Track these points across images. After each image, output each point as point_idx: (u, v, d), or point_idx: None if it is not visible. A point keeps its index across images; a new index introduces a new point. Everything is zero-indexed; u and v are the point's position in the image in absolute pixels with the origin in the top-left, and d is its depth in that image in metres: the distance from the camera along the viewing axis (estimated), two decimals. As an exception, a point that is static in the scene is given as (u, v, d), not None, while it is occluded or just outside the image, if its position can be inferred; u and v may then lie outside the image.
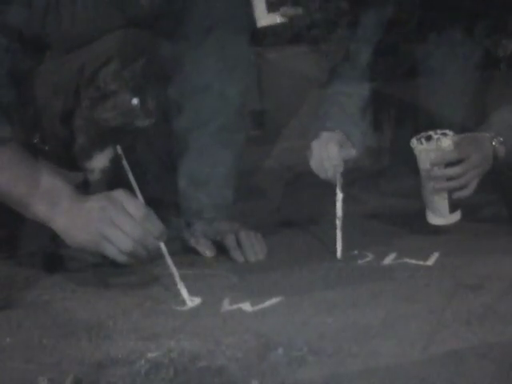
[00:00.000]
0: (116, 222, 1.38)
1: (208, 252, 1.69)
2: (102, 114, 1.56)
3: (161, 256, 1.45)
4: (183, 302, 1.42)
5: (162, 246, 1.43)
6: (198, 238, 1.72)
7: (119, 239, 1.38)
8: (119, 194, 1.40)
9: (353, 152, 1.78)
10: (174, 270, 1.45)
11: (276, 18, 1.57)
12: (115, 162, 1.49)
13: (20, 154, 1.49)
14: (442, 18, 1.90)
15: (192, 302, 1.43)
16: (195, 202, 1.75)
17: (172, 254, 1.67)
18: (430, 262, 1.60)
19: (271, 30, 3.14)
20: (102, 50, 1.63)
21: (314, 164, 1.76)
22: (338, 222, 1.68)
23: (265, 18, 1.57)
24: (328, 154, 1.73)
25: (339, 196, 1.70)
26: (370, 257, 1.65)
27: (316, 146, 1.77)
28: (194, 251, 1.71)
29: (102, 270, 1.59)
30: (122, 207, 1.38)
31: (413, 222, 1.83)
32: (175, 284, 1.45)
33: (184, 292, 1.44)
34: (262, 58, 3.03)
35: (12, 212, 1.49)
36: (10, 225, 1.75)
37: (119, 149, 1.43)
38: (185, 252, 1.72)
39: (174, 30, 1.70)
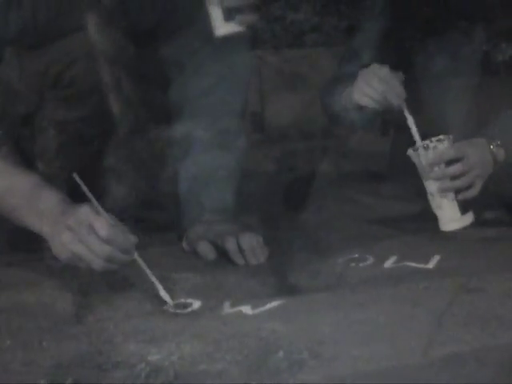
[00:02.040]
0: (84, 243, 1.39)
1: (209, 255, 1.69)
2: (66, 116, 1.56)
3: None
4: (184, 305, 1.42)
5: (136, 256, 1.44)
6: (199, 241, 1.71)
7: (89, 259, 1.40)
8: (85, 213, 1.41)
9: (401, 75, 1.76)
10: (151, 276, 1.45)
11: (234, 27, 1.56)
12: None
13: (9, 163, 1.51)
14: (440, 22, 1.90)
15: (186, 305, 1.43)
16: (196, 205, 1.75)
17: (172, 257, 1.68)
18: (431, 265, 1.60)
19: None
20: (67, 50, 1.63)
21: (371, 97, 1.73)
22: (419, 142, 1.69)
23: (222, 28, 1.56)
24: (387, 83, 1.71)
25: (410, 120, 1.70)
26: (370, 260, 1.65)
27: (363, 81, 1.75)
28: (194, 254, 1.71)
29: (103, 273, 1.59)
30: (90, 227, 1.40)
31: (413, 225, 1.84)
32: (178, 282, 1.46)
33: (165, 295, 1.44)
34: (263, 61, 3.05)
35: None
36: (10, 228, 1.76)
37: (76, 176, 1.44)
38: (185, 255, 1.72)
39: (174, 35, 1.70)
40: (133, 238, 1.43)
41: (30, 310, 1.43)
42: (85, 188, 1.44)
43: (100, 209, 1.43)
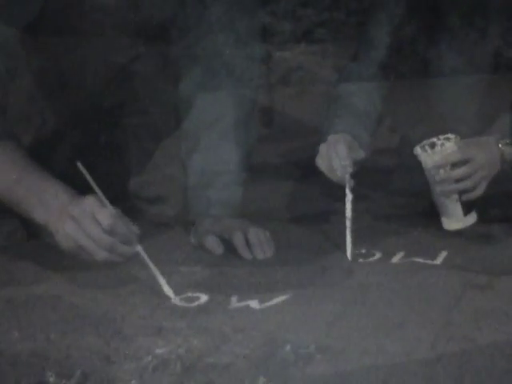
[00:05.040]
0: (87, 233, 1.41)
1: (216, 249, 1.69)
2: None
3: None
4: (191, 299, 1.43)
5: (139, 248, 1.45)
6: (206, 235, 1.72)
7: (92, 249, 1.42)
8: (89, 203, 1.43)
9: (362, 154, 1.78)
10: (153, 268, 1.45)
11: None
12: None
13: (17, 154, 1.52)
14: (453, 18, 1.89)
15: (193, 299, 1.43)
16: (203, 200, 1.76)
17: (179, 251, 1.68)
18: (438, 260, 1.60)
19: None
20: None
21: (323, 165, 1.75)
22: (348, 223, 1.67)
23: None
24: (337, 155, 1.72)
25: (349, 197, 1.69)
26: (378, 255, 1.65)
27: (324, 147, 1.76)
28: (201, 248, 1.71)
29: (110, 265, 1.59)
30: (93, 217, 1.41)
31: (421, 221, 1.83)
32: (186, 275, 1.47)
33: (166, 288, 1.44)
34: (272, 56, 3.04)
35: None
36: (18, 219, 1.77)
37: (80, 165, 1.44)
38: (192, 249, 1.72)
39: (187, 28, 1.70)
40: (135, 230, 1.44)
41: (38, 303, 1.43)
42: (89, 177, 1.44)
43: (104, 199, 1.44)
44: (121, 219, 1.43)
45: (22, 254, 1.69)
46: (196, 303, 1.42)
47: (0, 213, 1.65)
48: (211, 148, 1.76)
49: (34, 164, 1.52)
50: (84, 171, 1.44)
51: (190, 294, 1.45)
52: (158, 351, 1.22)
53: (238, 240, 1.67)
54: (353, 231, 1.66)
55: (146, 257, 1.45)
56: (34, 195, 1.48)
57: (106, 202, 1.44)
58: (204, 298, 1.44)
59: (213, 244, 1.70)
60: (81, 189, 1.47)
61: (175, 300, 1.42)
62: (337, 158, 1.72)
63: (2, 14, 1.52)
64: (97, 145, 1.80)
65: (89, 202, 1.43)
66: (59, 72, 1.68)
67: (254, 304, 1.40)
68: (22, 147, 1.54)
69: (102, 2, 1.63)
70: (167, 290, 1.44)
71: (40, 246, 1.68)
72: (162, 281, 1.45)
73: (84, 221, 1.41)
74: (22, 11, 1.55)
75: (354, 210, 1.68)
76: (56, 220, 1.45)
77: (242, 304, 1.41)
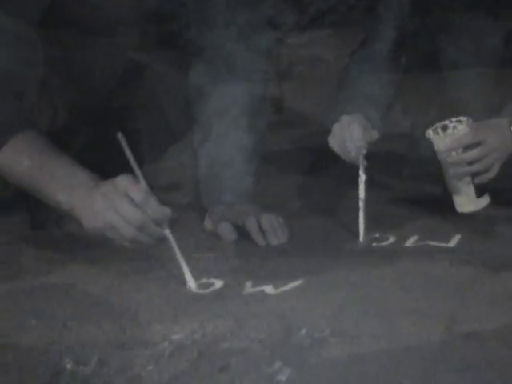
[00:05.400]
0: (118, 210, 1.39)
1: (229, 236, 1.70)
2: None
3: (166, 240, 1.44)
4: (206, 285, 1.43)
5: (167, 232, 1.43)
6: (220, 221, 1.72)
7: (121, 226, 1.39)
8: (122, 180, 1.41)
9: (375, 134, 1.78)
10: (178, 254, 1.44)
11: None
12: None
13: (39, 142, 1.50)
14: (465, 3, 1.89)
15: (207, 285, 1.43)
16: (216, 186, 1.76)
17: (193, 237, 1.69)
18: (452, 243, 1.60)
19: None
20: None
21: (336, 146, 1.75)
22: (361, 204, 1.68)
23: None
24: (351, 136, 1.72)
25: (362, 178, 1.69)
26: (391, 239, 1.65)
27: (338, 128, 1.76)
28: (215, 234, 1.72)
29: (124, 253, 1.60)
30: (125, 194, 1.39)
31: (434, 204, 1.83)
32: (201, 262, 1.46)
33: (188, 276, 1.44)
34: (281, 43, 3.04)
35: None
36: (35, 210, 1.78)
37: (120, 136, 1.42)
38: (206, 235, 1.73)
39: (198, 17, 1.70)
40: (168, 212, 1.41)
41: (54, 291, 1.44)
42: (127, 150, 1.42)
43: (140, 175, 1.41)
44: (154, 198, 1.41)
45: (34, 244, 1.70)
46: (211, 289, 1.43)
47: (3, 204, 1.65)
48: (223, 136, 1.76)
49: (57, 150, 1.50)
50: (123, 143, 1.41)
51: (204, 280, 1.46)
52: (174, 337, 1.22)
53: (252, 226, 1.67)
54: (366, 213, 1.67)
55: (173, 242, 1.44)
56: (59, 180, 1.46)
57: (141, 178, 1.41)
58: (219, 283, 1.45)
59: (226, 230, 1.70)
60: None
61: (193, 286, 1.43)
62: (351, 138, 1.72)
63: (18, 7, 1.53)
64: (108, 136, 1.80)
65: (121, 179, 1.41)
66: (70, 66, 1.69)
67: (268, 289, 1.41)
68: (43, 134, 1.53)
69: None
70: (189, 279, 1.43)
71: (51, 235, 1.70)
72: (186, 269, 1.44)
73: (115, 197, 1.39)
74: (36, 4, 1.55)
75: (366, 190, 1.68)
76: (83, 203, 1.42)
77: (257, 289, 1.41)
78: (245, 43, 1.76)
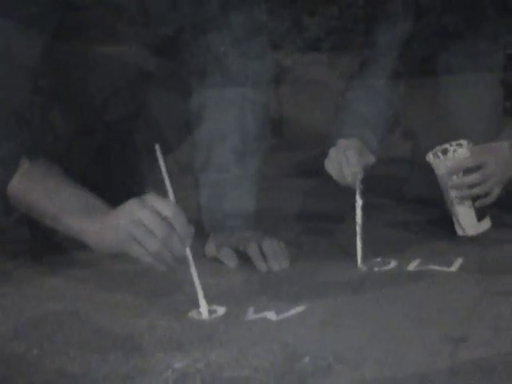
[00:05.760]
0: (144, 222, 1.36)
1: (231, 262, 1.69)
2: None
3: (185, 262, 1.42)
4: (209, 312, 1.43)
5: (188, 251, 1.41)
6: (221, 247, 1.72)
7: (146, 238, 1.36)
8: (150, 196, 1.39)
9: (372, 158, 1.78)
10: (195, 277, 1.43)
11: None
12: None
13: (51, 170, 1.51)
14: (462, 23, 1.89)
15: (210, 312, 1.43)
16: (217, 212, 1.76)
17: (195, 262, 1.68)
18: (454, 267, 1.60)
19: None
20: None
21: (332, 170, 1.75)
22: (358, 229, 1.68)
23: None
24: (347, 161, 1.73)
25: (359, 203, 1.70)
26: (393, 264, 1.65)
27: (334, 152, 1.76)
28: (216, 260, 1.71)
29: (127, 279, 1.60)
30: (152, 207, 1.37)
31: (435, 228, 1.83)
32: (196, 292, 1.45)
33: (202, 302, 1.43)
34: (281, 65, 3.05)
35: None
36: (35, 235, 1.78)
37: (158, 148, 1.41)
38: (207, 261, 1.73)
39: (197, 42, 1.70)
40: (192, 229, 1.39)
41: (56, 320, 1.44)
42: (163, 164, 1.40)
43: (170, 190, 1.40)
44: (183, 214, 1.38)
45: (35, 271, 1.70)
46: (213, 316, 1.42)
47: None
48: (224, 160, 1.76)
49: (70, 178, 1.50)
50: (159, 154, 1.40)
51: (207, 307, 1.45)
52: (177, 365, 1.22)
53: (253, 252, 1.67)
54: (363, 238, 1.67)
55: (192, 263, 1.42)
56: (71, 206, 1.45)
57: (171, 192, 1.40)
58: (221, 310, 1.44)
59: (227, 256, 1.70)
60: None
61: (192, 313, 1.43)
62: (347, 164, 1.72)
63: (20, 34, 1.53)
64: (108, 158, 1.80)
65: (149, 195, 1.39)
66: (70, 84, 1.69)
67: (270, 315, 1.40)
68: (56, 164, 1.54)
69: (113, 15, 1.63)
70: (202, 305, 1.43)
71: (53, 263, 1.69)
72: (201, 293, 1.43)
73: (141, 210, 1.36)
74: (44, 27, 1.55)
75: (364, 215, 1.68)
76: (99, 223, 1.41)
77: (259, 316, 1.41)
78: (245, 66, 1.76)
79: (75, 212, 1.45)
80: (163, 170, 1.41)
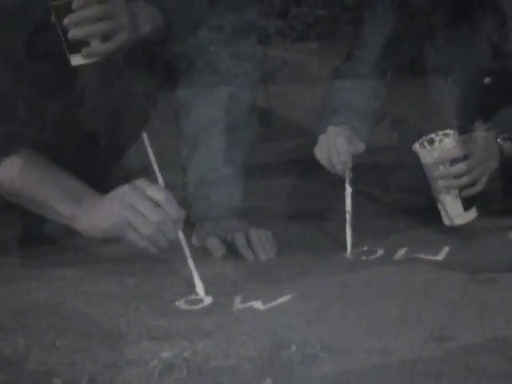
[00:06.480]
0: (137, 207, 1.39)
1: (218, 251, 1.69)
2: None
3: (178, 246, 1.46)
4: (195, 301, 1.43)
5: (181, 234, 1.44)
6: (208, 237, 1.72)
7: (140, 223, 1.39)
8: (140, 182, 1.43)
9: (361, 146, 1.79)
10: (190, 258, 1.47)
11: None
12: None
13: (38, 158, 1.52)
14: (448, 14, 1.89)
15: (197, 302, 1.44)
16: (204, 201, 1.76)
17: (180, 253, 1.68)
18: (441, 256, 1.60)
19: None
20: None
21: (322, 158, 1.76)
22: (348, 217, 1.68)
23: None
24: (336, 149, 1.73)
25: (348, 191, 1.70)
26: (380, 252, 1.65)
27: (324, 140, 1.77)
28: (203, 250, 1.71)
29: (114, 269, 1.60)
30: (144, 192, 1.40)
31: (422, 217, 1.83)
32: (190, 277, 1.47)
33: (198, 282, 1.46)
34: (267, 56, 3.04)
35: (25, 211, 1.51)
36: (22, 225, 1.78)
37: (145, 136, 1.44)
38: (194, 251, 1.72)
39: (185, 31, 1.70)
40: (183, 212, 1.43)
41: (43, 310, 1.44)
42: (151, 152, 1.44)
43: (159, 177, 1.43)
44: (173, 198, 1.42)
45: (22, 261, 1.69)
46: (200, 305, 1.42)
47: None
48: (210, 150, 1.76)
49: (57, 167, 1.52)
50: (147, 143, 1.44)
51: (193, 297, 1.45)
52: (164, 355, 1.22)
53: (240, 241, 1.67)
54: (353, 225, 1.67)
55: (185, 244, 1.46)
56: (61, 192, 1.48)
57: (161, 178, 1.43)
58: (208, 299, 1.44)
59: (214, 246, 1.70)
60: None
61: (179, 303, 1.43)
62: (336, 152, 1.72)
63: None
64: (95, 154, 1.80)
65: (139, 181, 1.43)
66: (56, 79, 1.68)
67: (257, 305, 1.41)
68: (41, 154, 1.54)
69: None
70: (198, 284, 1.46)
71: (39, 252, 1.69)
72: (196, 273, 1.46)
73: (134, 195, 1.40)
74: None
75: (353, 203, 1.68)
76: (91, 207, 1.44)
77: (246, 305, 1.41)
78: (231, 56, 1.76)
79: (66, 199, 1.47)
80: (151, 157, 1.44)
